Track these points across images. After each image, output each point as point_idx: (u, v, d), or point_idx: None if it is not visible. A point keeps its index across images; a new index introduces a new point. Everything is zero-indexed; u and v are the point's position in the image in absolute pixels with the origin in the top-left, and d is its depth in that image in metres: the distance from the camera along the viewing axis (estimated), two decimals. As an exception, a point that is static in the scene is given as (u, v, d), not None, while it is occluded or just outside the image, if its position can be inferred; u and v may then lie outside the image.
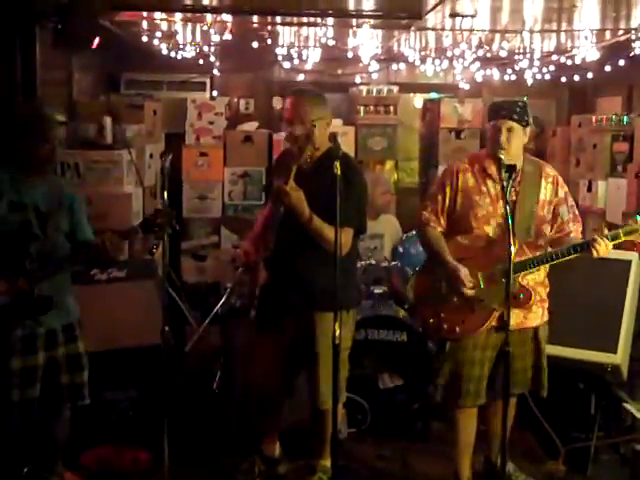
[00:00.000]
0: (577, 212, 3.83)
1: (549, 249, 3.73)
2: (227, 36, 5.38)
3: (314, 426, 3.92)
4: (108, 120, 5.15)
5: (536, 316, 3.72)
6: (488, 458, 4.00)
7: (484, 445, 3.97)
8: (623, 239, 3.53)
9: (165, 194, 3.37)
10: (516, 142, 3.60)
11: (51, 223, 3.48)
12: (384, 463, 4.27)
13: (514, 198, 3.64)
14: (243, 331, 4.55)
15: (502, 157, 3.49)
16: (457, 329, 3.67)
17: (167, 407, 3.43)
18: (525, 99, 3.71)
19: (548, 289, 3.78)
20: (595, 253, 3.49)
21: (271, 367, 3.85)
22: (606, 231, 3.56)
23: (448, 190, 3.72)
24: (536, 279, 3.69)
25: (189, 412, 4.47)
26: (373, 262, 5.24)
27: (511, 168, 3.56)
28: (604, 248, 3.48)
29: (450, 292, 3.69)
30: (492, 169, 3.65)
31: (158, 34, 5.71)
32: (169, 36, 5.77)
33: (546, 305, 3.77)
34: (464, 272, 3.63)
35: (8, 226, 3.38)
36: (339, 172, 3.22)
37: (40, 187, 3.50)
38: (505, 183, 3.45)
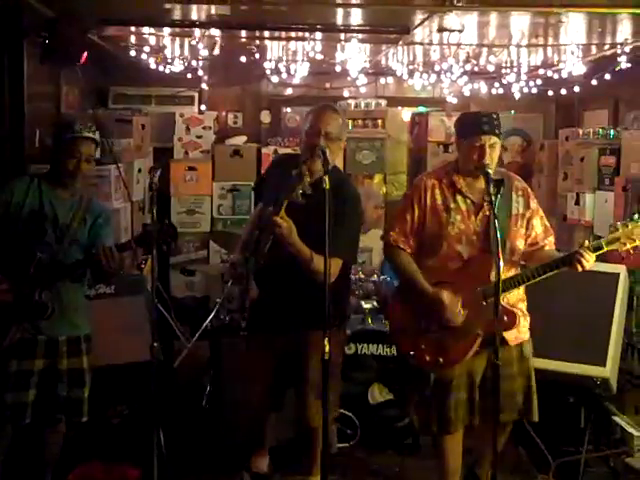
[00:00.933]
0: (548, 224, 3.72)
1: (524, 264, 3.62)
2: (216, 51, 5.38)
3: (303, 443, 3.91)
4: (96, 134, 5.12)
5: (518, 332, 3.57)
6: (473, 471, 3.94)
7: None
8: (606, 249, 3.40)
9: (154, 210, 3.36)
10: (496, 157, 3.47)
11: (68, 235, 3.58)
12: (375, 478, 4.26)
13: (487, 213, 3.49)
14: (233, 346, 4.54)
15: (490, 171, 3.34)
16: (440, 360, 3.51)
17: (157, 423, 3.41)
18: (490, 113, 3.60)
19: (526, 303, 3.66)
20: (579, 267, 3.37)
21: (261, 382, 3.85)
22: (587, 242, 3.44)
23: (417, 209, 3.57)
24: (516, 295, 3.58)
25: (178, 428, 4.44)
26: (362, 276, 5.25)
27: (499, 183, 3.49)
28: (588, 261, 3.36)
29: (429, 322, 3.54)
30: (461, 184, 3.55)
31: (146, 49, 5.70)
32: (157, 50, 5.77)
33: (528, 319, 3.65)
34: (446, 297, 3.47)
35: (24, 233, 3.53)
36: (328, 187, 3.20)
37: (67, 200, 3.65)
38: (494, 198, 3.27)
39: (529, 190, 3.68)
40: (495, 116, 3.49)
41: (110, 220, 3.85)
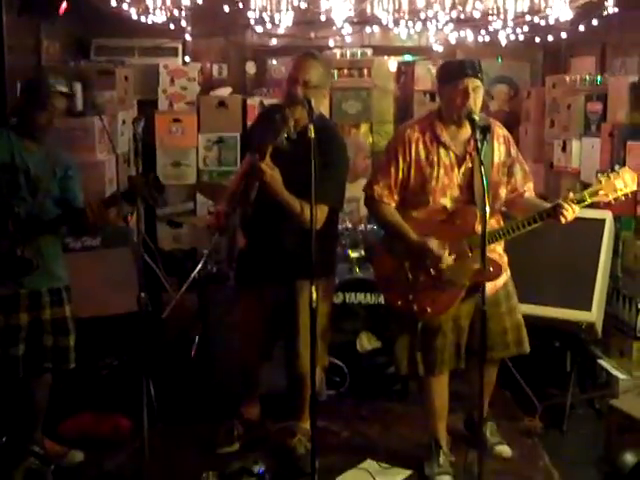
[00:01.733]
0: (527, 169, 3.72)
1: (504, 211, 3.67)
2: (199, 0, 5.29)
3: (293, 390, 3.95)
4: (78, 87, 5.07)
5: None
6: (470, 416, 4.04)
7: (459, 404, 4.02)
8: (589, 201, 3.42)
9: (140, 161, 3.33)
10: (479, 102, 3.45)
11: (41, 188, 3.55)
12: (364, 424, 4.32)
13: (470, 165, 3.51)
14: (221, 297, 4.56)
15: (476, 118, 3.28)
16: (428, 309, 3.56)
17: (147, 373, 3.43)
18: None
19: (502, 246, 3.70)
20: (562, 219, 3.39)
21: (251, 332, 3.87)
22: (571, 194, 3.45)
23: (401, 162, 3.55)
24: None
25: (168, 378, 4.47)
26: (349, 226, 5.25)
27: (485, 129, 3.45)
28: (571, 213, 3.38)
29: (416, 272, 3.57)
30: (445, 136, 3.53)
31: (127, -2, 5.61)
32: (138, 0, 5.67)
33: (505, 259, 3.69)
34: (434, 244, 3.49)
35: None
36: (313, 135, 3.18)
37: (36, 153, 3.60)
38: (479, 145, 3.20)
39: (510, 137, 3.68)
40: (477, 62, 3.48)
41: (78, 172, 3.80)
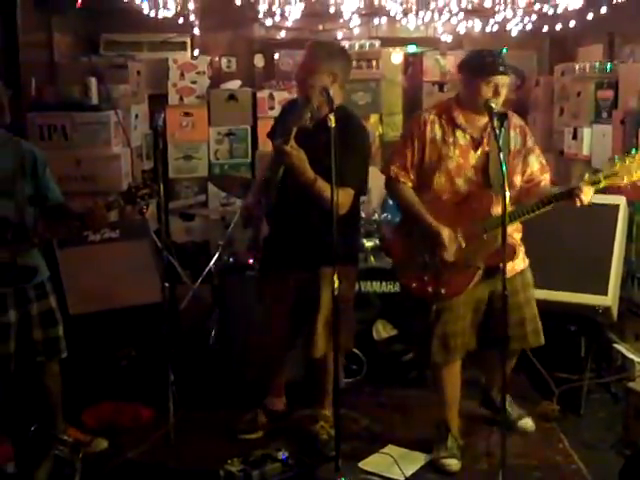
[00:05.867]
0: (544, 162, 3.79)
1: (521, 200, 3.69)
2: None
3: (313, 377, 3.98)
4: (93, 81, 5.10)
5: (518, 260, 3.69)
6: (486, 391, 4.10)
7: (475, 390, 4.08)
8: (604, 183, 3.48)
9: (157, 153, 3.38)
10: (504, 96, 3.54)
11: (15, 191, 3.43)
12: (382, 411, 4.36)
13: (486, 149, 3.58)
14: (238, 287, 4.59)
15: (493, 105, 3.40)
16: (442, 291, 3.60)
17: (169, 362, 3.48)
18: (504, 50, 3.66)
19: (521, 234, 3.76)
20: (578, 202, 3.45)
21: (276, 320, 3.89)
22: (587, 176, 3.52)
23: (416, 143, 3.62)
24: (511, 226, 3.62)
25: (186, 368, 4.51)
26: (363, 215, 5.27)
27: (503, 117, 3.54)
28: (586, 195, 3.44)
29: (433, 255, 3.61)
30: (461, 119, 3.60)
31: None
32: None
33: (523, 248, 3.75)
34: (446, 234, 3.55)
35: None
36: (333, 124, 3.22)
37: None
38: (497, 132, 3.37)
39: (526, 127, 3.76)
40: (502, 54, 3.60)
41: (46, 161, 3.62)
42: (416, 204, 3.63)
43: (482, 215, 3.54)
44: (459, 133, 3.60)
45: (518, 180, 3.68)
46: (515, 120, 3.71)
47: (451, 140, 3.59)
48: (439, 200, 3.62)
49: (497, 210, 3.45)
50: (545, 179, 3.73)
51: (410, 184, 3.67)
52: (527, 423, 4.04)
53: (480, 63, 3.55)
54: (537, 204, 3.55)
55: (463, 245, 3.57)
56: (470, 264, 3.57)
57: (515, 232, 3.70)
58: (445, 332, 3.68)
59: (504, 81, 3.50)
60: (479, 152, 3.59)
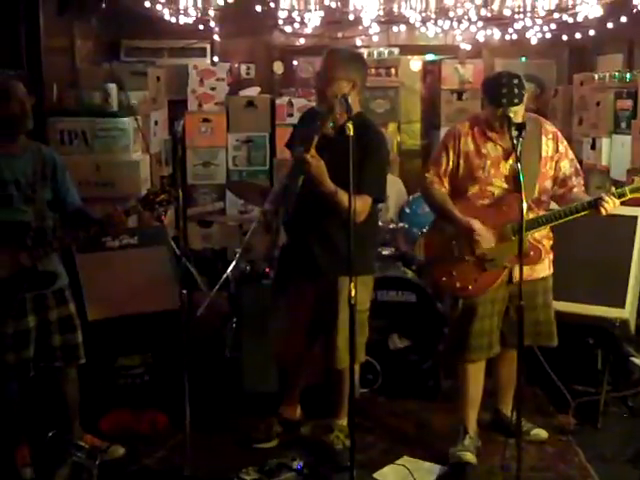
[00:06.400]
0: (578, 166, 3.90)
1: (555, 205, 3.82)
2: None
3: (330, 386, 3.98)
4: (113, 87, 5.13)
5: (543, 267, 3.80)
6: (498, 410, 4.10)
7: (488, 401, 4.06)
8: (629, 196, 3.58)
9: (177, 160, 3.40)
10: (521, 113, 3.61)
11: (36, 197, 3.49)
12: (398, 421, 4.35)
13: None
14: (255, 295, 4.59)
15: (511, 115, 3.47)
16: (470, 287, 3.74)
17: (186, 370, 3.48)
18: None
19: (552, 241, 3.85)
20: (603, 211, 3.54)
21: (292, 330, 3.90)
22: (613, 189, 3.63)
23: (451, 153, 3.77)
24: (542, 232, 3.77)
25: (203, 376, 4.52)
26: (380, 224, 5.27)
27: (521, 126, 3.55)
28: (611, 206, 3.53)
29: (462, 250, 3.75)
30: (492, 133, 3.71)
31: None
32: (171, 1, 5.73)
33: (551, 256, 3.85)
34: (478, 226, 3.67)
35: None
36: (351, 132, 3.22)
37: (19, 158, 3.50)
38: (515, 141, 3.38)
39: (558, 133, 3.85)
40: (520, 80, 3.59)
41: (65, 166, 3.69)
42: (448, 203, 3.76)
43: (512, 218, 3.61)
44: (490, 145, 3.72)
45: (550, 185, 3.78)
46: (547, 126, 3.82)
47: (484, 152, 3.72)
48: (471, 203, 3.76)
49: (527, 213, 3.54)
50: (579, 184, 3.83)
51: (444, 190, 3.82)
52: (540, 432, 4.05)
53: (496, 93, 3.59)
54: (562, 211, 3.65)
55: (493, 244, 3.68)
56: (498, 263, 3.68)
57: (545, 239, 3.81)
58: (472, 330, 3.76)
59: (516, 109, 3.56)
60: (510, 161, 3.69)
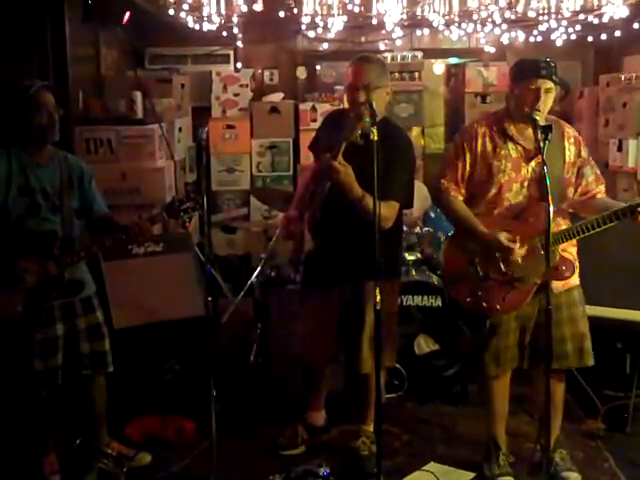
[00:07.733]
0: (599, 172, 3.67)
1: (573, 212, 3.62)
2: (257, 7, 5.34)
3: (356, 392, 3.97)
4: (138, 95, 5.17)
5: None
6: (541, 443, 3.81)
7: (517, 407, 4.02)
8: None
9: (201, 167, 3.41)
10: (549, 104, 3.44)
11: (64, 205, 3.53)
12: (424, 427, 4.33)
13: (540, 160, 3.39)
14: (281, 301, 4.59)
15: (538, 118, 3.32)
16: (498, 307, 3.51)
17: (212, 376, 3.49)
18: (548, 60, 3.55)
19: (577, 248, 3.65)
20: None
21: (318, 335, 3.88)
22: None
23: (468, 156, 3.53)
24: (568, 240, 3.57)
25: (229, 383, 4.52)
26: (405, 228, 5.25)
27: (547, 129, 3.44)
28: None
29: (487, 268, 3.53)
30: (512, 130, 3.51)
31: (185, 6, 5.70)
32: (195, 8, 5.76)
33: (577, 264, 3.62)
34: (504, 237, 3.44)
35: (19, 210, 3.43)
36: (376, 137, 3.21)
37: (46, 168, 3.53)
38: (542, 144, 3.23)
39: (580, 138, 3.64)
40: (553, 63, 3.44)
41: (92, 174, 3.72)
42: (469, 217, 3.55)
43: (539, 230, 3.39)
44: (510, 145, 3.51)
45: (571, 192, 3.58)
46: (569, 131, 3.61)
47: (503, 152, 3.50)
48: (492, 213, 3.54)
49: (555, 225, 3.34)
50: (601, 191, 3.62)
51: (461, 197, 3.60)
52: (572, 476, 3.69)
53: (522, 68, 3.48)
54: (596, 221, 3.40)
55: (519, 260, 3.47)
56: (527, 280, 3.48)
57: (570, 246, 3.60)
58: (498, 345, 3.61)
59: (546, 86, 3.39)
60: (533, 163, 3.50)
